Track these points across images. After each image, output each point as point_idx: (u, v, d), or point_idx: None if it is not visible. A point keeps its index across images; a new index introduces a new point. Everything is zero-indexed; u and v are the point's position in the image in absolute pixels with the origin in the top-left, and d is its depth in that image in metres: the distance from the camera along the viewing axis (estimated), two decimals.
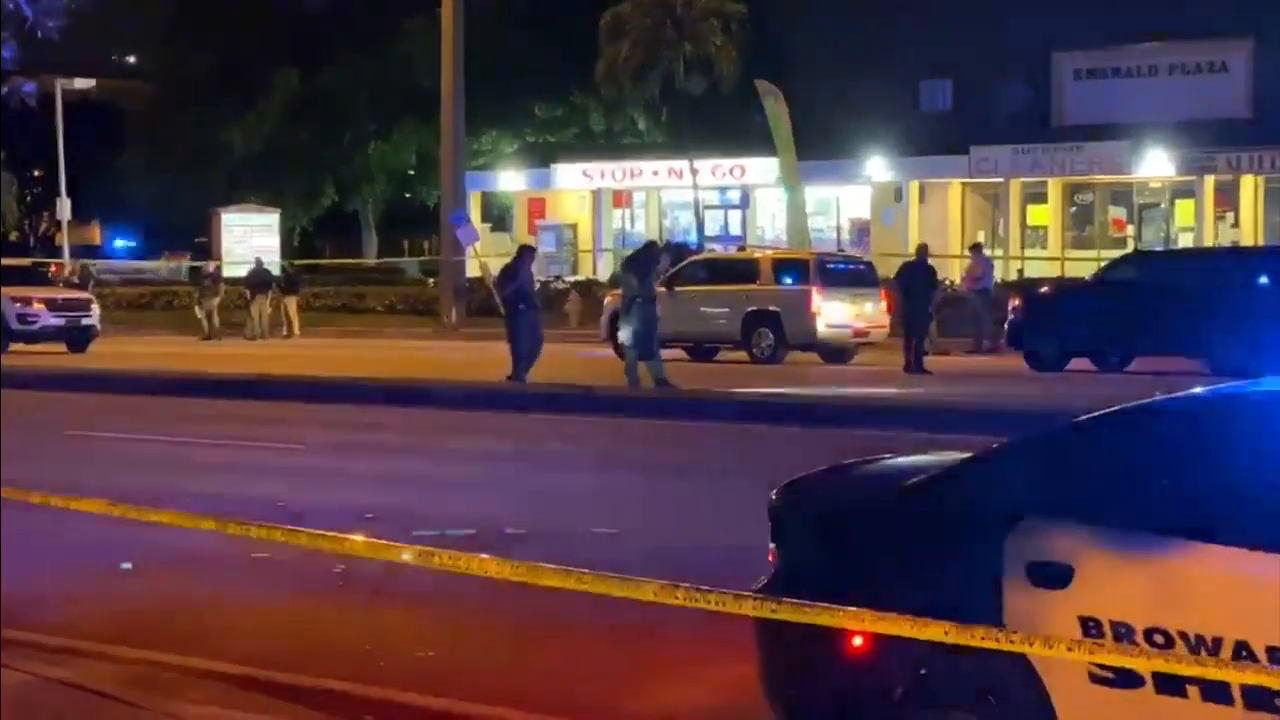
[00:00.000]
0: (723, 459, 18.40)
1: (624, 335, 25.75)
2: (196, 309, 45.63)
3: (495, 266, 49.61)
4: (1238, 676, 5.09)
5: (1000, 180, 51.94)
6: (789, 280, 33.08)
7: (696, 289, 32.86)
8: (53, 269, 54.05)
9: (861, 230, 54.81)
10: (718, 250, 46.76)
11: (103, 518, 8.32)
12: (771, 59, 54.08)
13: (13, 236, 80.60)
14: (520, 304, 26.05)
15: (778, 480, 7.14)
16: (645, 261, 26.24)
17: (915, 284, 29.85)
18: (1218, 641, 5.53)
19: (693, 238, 50.92)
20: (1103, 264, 33.97)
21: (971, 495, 6.42)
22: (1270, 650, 5.43)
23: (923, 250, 31.86)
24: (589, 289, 47.07)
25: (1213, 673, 4.87)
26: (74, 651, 8.89)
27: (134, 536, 11.55)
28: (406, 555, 6.50)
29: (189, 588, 10.98)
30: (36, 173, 79.49)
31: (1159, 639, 5.65)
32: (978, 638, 4.70)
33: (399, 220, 72.82)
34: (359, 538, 7.01)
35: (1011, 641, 4.83)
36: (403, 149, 67.40)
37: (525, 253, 27.73)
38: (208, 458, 18.19)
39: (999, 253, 48.12)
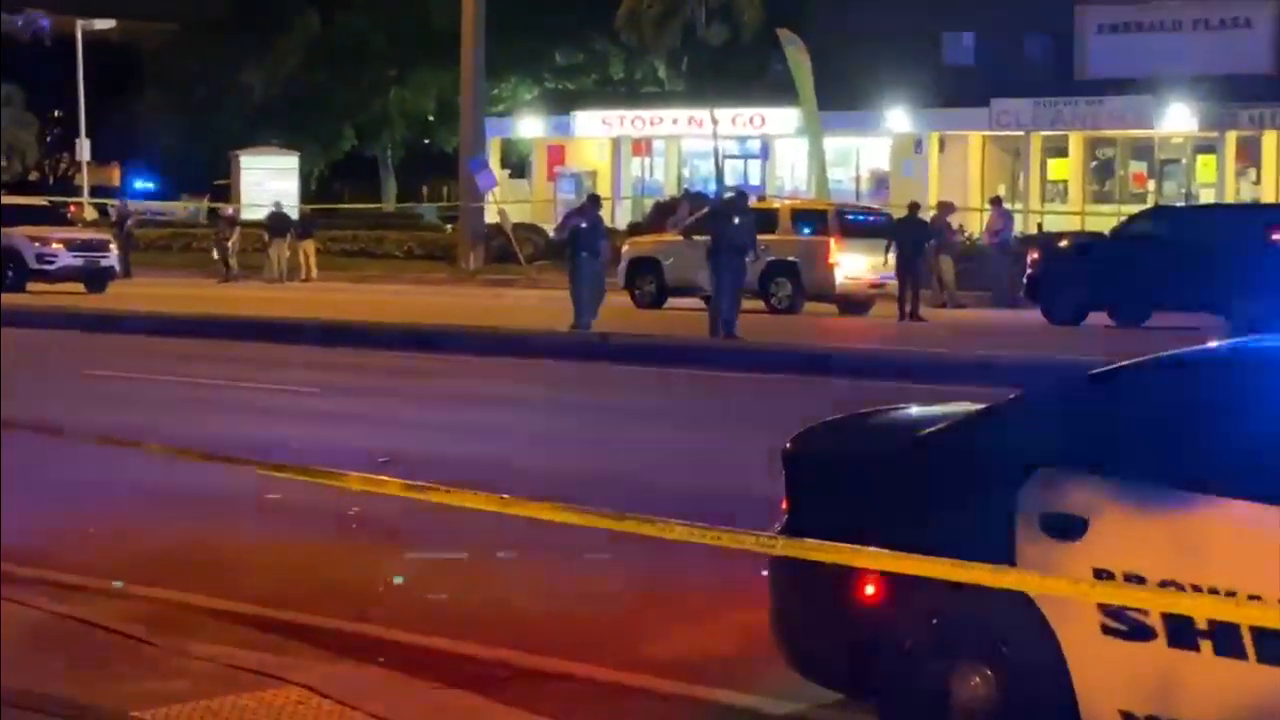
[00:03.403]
0: (739, 409, 18.40)
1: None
2: (228, 247, 45.62)
3: (514, 213, 49.74)
4: (1245, 616, 5.07)
5: (1021, 133, 51.68)
6: (807, 231, 33.05)
7: None
8: (71, 209, 53.99)
9: (880, 181, 54.60)
10: None
11: (115, 454, 8.35)
12: (793, 8, 53.76)
13: (32, 176, 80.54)
14: (583, 251, 26.15)
15: (792, 429, 7.12)
16: (717, 214, 27.25)
17: (907, 239, 31.02)
18: (1231, 595, 5.51)
19: (711, 187, 50.71)
20: (1123, 219, 33.83)
21: (986, 446, 6.40)
22: None
23: (914, 207, 33.07)
24: (609, 237, 46.82)
25: (1219, 610, 4.85)
26: (86, 589, 8.91)
27: (147, 474, 11.58)
28: (393, 489, 6.90)
29: (201, 527, 10.98)
30: (56, 113, 79.32)
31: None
32: (977, 575, 4.68)
33: (418, 165, 72.61)
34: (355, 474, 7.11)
35: (1008, 579, 4.82)
36: (422, 94, 67.16)
37: (589, 201, 27.96)
38: (222, 398, 18.21)
39: (1019, 206, 47.89)
